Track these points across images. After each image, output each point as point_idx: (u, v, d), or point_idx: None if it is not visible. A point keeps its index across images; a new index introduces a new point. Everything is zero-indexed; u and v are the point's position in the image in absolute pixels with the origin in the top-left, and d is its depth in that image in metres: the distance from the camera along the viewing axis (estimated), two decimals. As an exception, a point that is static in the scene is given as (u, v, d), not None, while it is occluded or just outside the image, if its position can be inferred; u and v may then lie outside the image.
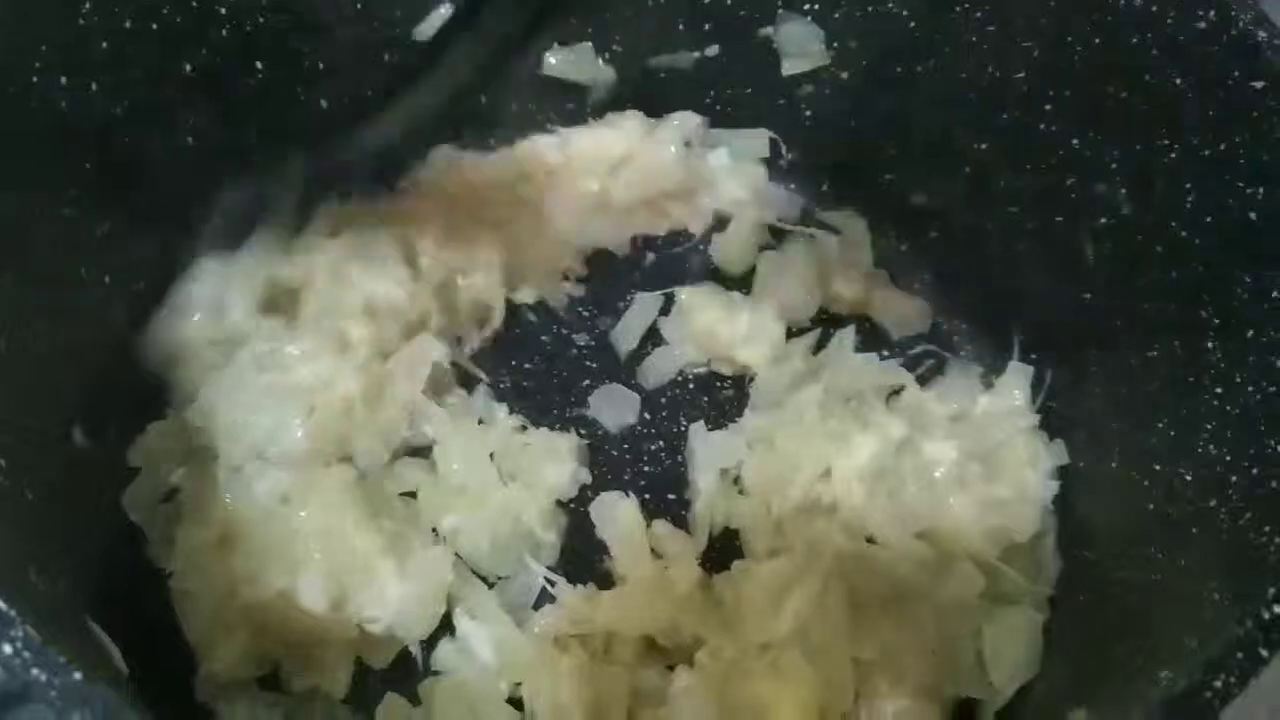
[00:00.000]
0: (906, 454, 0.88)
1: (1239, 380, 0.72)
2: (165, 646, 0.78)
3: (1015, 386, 0.92)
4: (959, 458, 0.87)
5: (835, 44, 0.97)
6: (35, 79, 0.74)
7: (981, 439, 0.89)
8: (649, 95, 1.03)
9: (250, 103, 0.91)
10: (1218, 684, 0.56)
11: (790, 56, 0.99)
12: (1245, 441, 0.70)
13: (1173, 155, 0.78)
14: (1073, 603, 0.84)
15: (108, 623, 0.68)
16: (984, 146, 0.93)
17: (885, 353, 0.97)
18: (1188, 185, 0.77)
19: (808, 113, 1.02)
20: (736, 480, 0.90)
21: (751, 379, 0.95)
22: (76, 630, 0.65)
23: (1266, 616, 0.57)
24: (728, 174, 1.03)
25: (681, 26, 0.99)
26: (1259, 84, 0.72)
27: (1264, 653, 0.55)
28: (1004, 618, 0.82)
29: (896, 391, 0.93)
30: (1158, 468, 0.78)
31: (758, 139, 1.04)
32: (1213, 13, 0.74)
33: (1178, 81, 0.77)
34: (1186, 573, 0.70)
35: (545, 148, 1.03)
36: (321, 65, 0.94)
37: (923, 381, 0.95)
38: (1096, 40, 0.81)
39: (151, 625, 0.78)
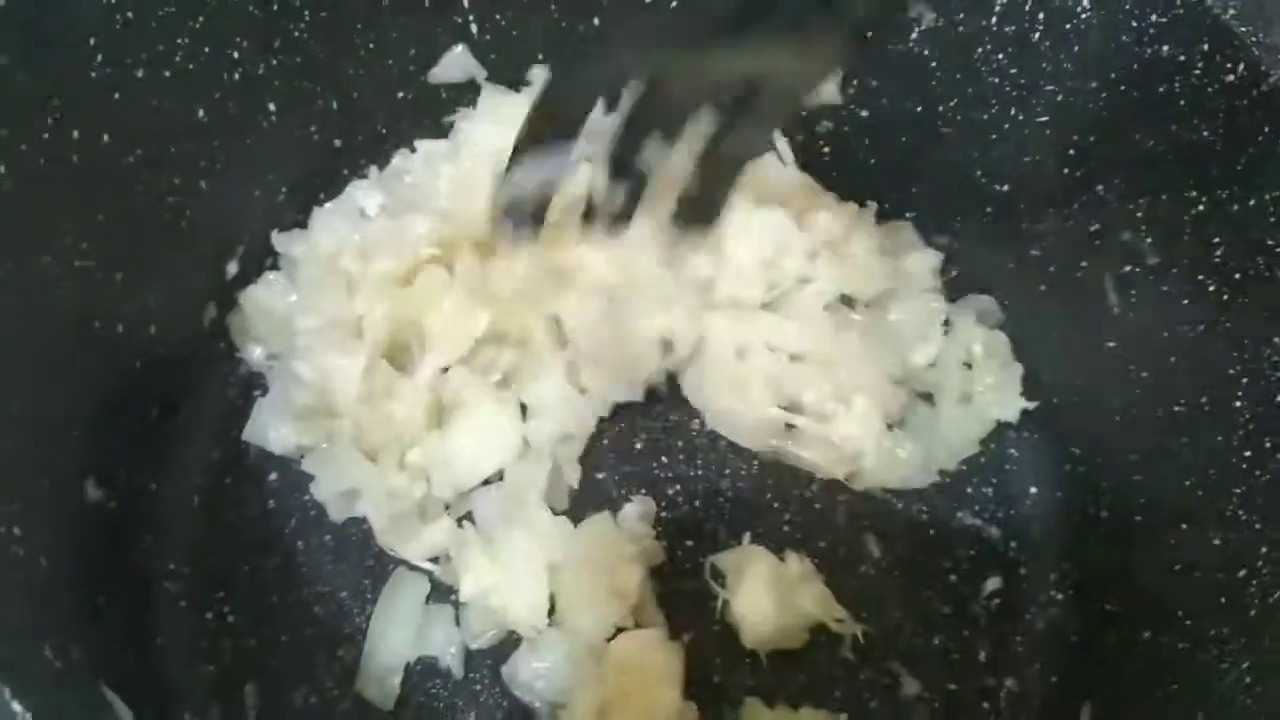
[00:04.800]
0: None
1: (1268, 445, 0.71)
2: (177, 705, 0.78)
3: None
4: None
5: (855, 81, 0.95)
6: (47, 134, 0.73)
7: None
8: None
9: (264, 145, 0.90)
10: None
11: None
12: (1275, 510, 0.69)
13: (1200, 207, 0.77)
14: (1094, 654, 0.83)
15: (121, 684, 0.68)
16: (1006, 188, 0.92)
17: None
18: (1216, 238, 0.76)
19: (826, 149, 1.01)
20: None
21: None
22: (91, 698, 0.65)
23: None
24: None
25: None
26: (1289, 141, 0.71)
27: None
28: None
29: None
30: (1184, 527, 0.77)
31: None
32: (1242, 67, 0.73)
33: (1205, 134, 0.76)
34: (1216, 644, 0.68)
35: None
36: (335, 105, 0.93)
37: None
38: (1123, 88, 0.80)
39: (163, 685, 0.78)
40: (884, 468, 0.91)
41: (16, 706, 0.49)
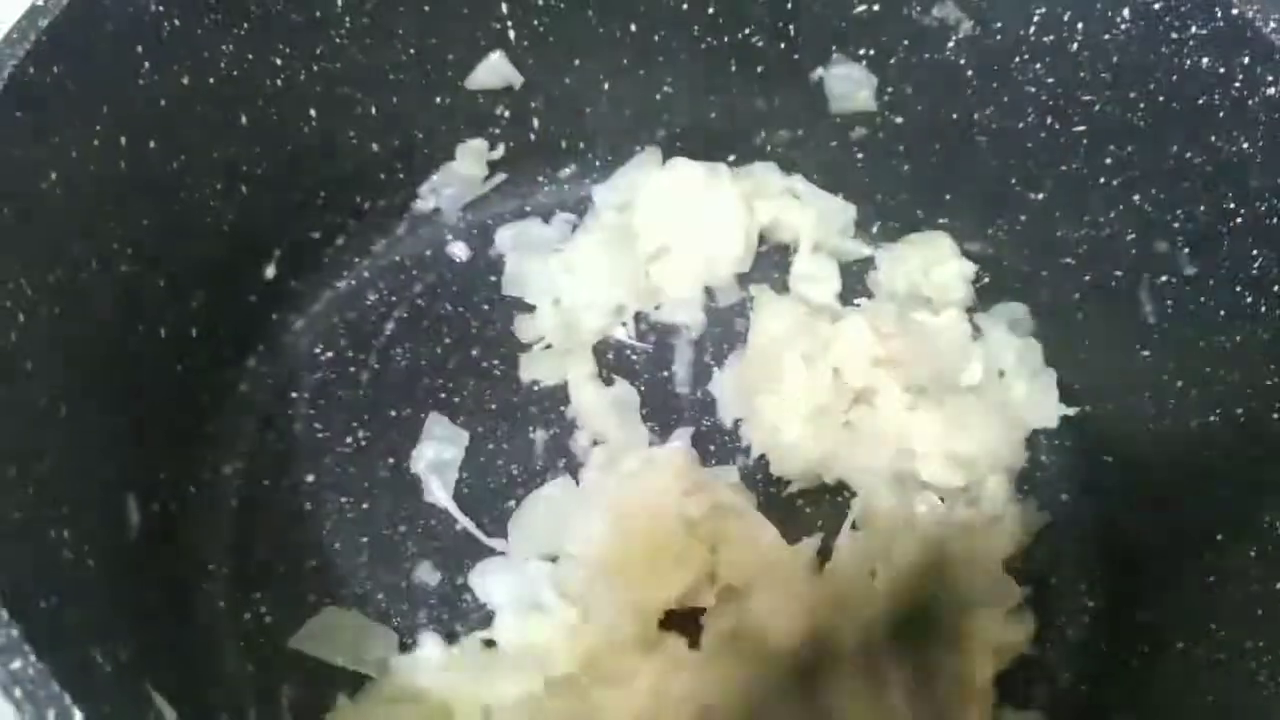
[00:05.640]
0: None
1: (1305, 455, 0.71)
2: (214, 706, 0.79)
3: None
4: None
5: (890, 89, 0.95)
6: (96, 141, 0.74)
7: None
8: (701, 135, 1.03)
9: (304, 150, 0.91)
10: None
11: (836, 99, 0.98)
12: (1313, 523, 0.69)
13: (1238, 220, 0.77)
14: (1125, 665, 0.83)
15: (164, 684, 0.69)
16: (1041, 197, 0.92)
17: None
18: (1254, 250, 0.76)
19: (860, 156, 1.01)
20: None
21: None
22: (138, 699, 0.66)
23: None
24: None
25: (734, 67, 0.98)
26: (1328, 156, 0.71)
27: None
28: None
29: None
30: (1219, 538, 0.77)
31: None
32: (1283, 79, 0.72)
33: (1244, 145, 0.75)
34: (1252, 657, 0.68)
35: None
36: (374, 110, 0.94)
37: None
38: (1161, 98, 0.80)
39: (202, 686, 0.79)
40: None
41: (79, 715, 0.49)
